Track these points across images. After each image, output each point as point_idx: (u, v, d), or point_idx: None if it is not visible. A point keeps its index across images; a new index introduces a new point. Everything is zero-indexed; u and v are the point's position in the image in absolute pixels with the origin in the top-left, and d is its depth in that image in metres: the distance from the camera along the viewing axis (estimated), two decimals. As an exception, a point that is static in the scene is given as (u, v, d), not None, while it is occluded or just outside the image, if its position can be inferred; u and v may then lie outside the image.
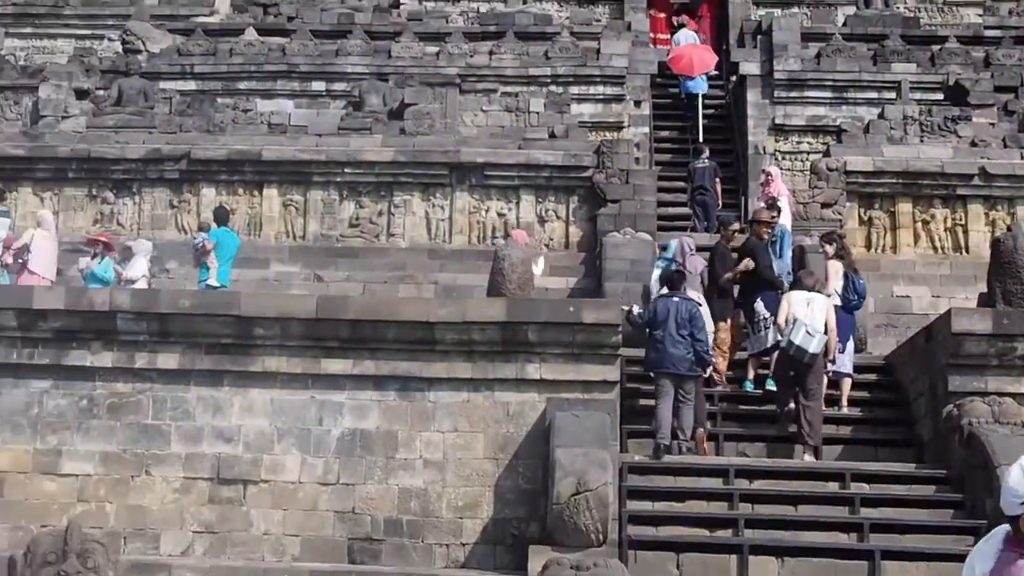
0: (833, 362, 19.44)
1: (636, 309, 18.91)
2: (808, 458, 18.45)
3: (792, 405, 18.90)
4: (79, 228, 27.09)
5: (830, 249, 21.29)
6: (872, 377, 20.88)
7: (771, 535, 16.24)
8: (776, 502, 17.03)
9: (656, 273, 20.86)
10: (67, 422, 17.68)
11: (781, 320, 18.98)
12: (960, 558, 15.83)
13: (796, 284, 19.68)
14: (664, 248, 21.91)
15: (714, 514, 16.68)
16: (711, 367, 19.07)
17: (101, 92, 29.64)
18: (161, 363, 17.68)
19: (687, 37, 34.49)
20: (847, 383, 20.01)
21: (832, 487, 17.41)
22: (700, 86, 32.77)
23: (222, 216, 23.78)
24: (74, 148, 27.53)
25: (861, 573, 15.61)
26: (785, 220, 23.76)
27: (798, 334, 18.49)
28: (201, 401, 17.62)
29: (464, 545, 17.02)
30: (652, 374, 18.25)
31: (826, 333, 18.69)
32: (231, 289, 22.36)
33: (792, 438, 18.92)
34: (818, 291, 19.31)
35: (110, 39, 35.74)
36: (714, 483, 17.40)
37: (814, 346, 18.44)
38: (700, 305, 18.95)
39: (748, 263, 20.67)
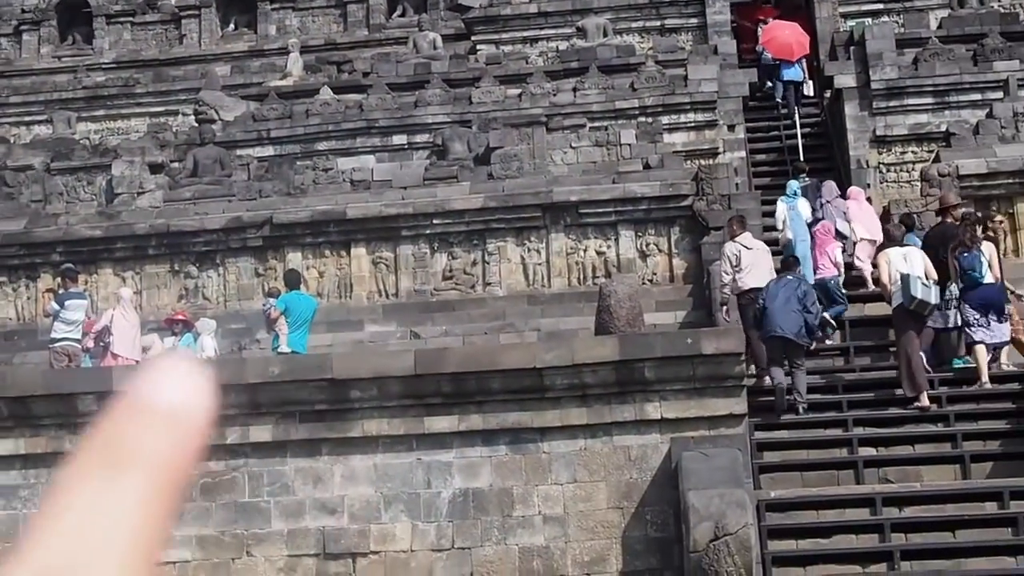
0: None
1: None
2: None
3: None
4: (164, 305, 26.25)
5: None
6: (1016, 386, 19.49)
7: (930, 566, 15.28)
8: (930, 529, 16.06)
9: (782, 207, 23.74)
10: (159, 507, 16.69)
11: (885, 279, 19.86)
12: None
13: (887, 241, 20.71)
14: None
15: (866, 548, 15.70)
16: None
17: (176, 165, 28.89)
18: (254, 436, 16.92)
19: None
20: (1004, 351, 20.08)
21: (990, 507, 16.34)
22: (798, 73, 31.84)
23: (292, 280, 22.85)
24: (152, 224, 26.75)
25: (1032, 600, 14.40)
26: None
27: (916, 288, 18.97)
28: (300, 473, 16.78)
29: (595, 603, 15.95)
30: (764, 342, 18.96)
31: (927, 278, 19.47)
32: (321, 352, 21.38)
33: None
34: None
35: (184, 113, 35.21)
36: (861, 514, 16.39)
37: (934, 296, 19.10)
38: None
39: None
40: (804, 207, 24.06)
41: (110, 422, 0.99)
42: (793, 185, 24.74)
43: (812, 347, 19.74)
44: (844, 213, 23.56)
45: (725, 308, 21.33)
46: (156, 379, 1.00)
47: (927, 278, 19.32)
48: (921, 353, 19.11)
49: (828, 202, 24.05)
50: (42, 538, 0.95)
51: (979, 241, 20.18)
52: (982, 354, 19.15)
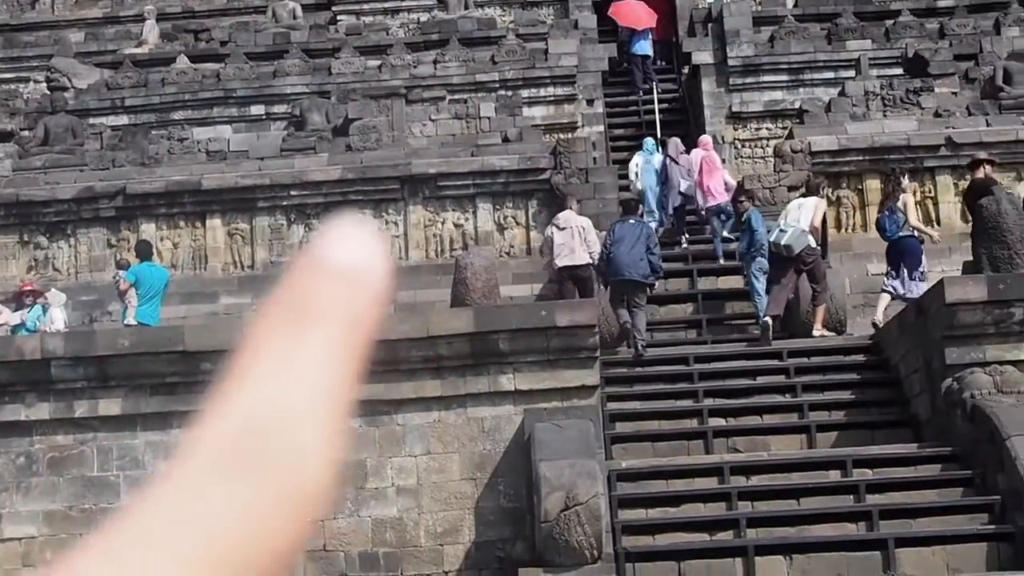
0: None
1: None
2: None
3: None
4: (12, 277, 25.82)
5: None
6: (860, 358, 19.97)
7: (776, 533, 15.48)
8: (777, 497, 16.26)
9: (636, 159, 25.21)
10: (4, 482, 16.57)
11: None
12: (977, 538, 15.10)
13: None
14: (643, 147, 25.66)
15: (713, 516, 15.85)
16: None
17: (26, 133, 28.35)
18: (103, 410, 16.72)
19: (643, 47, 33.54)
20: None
21: (834, 476, 16.61)
22: (644, 47, 32.23)
23: (144, 251, 22.54)
24: (0, 193, 26.20)
25: (875, 564, 14.80)
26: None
27: (774, 234, 20.13)
28: (150, 447, 16.54)
29: (447, 573, 16.22)
30: (609, 286, 19.61)
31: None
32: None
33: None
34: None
35: (35, 81, 34.48)
36: (709, 483, 16.57)
37: (786, 239, 19.82)
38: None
39: None
40: (658, 161, 25.24)
41: (295, 280, 1.03)
42: (650, 142, 25.76)
43: (655, 286, 20.55)
44: (688, 171, 24.58)
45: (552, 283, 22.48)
46: (337, 240, 1.05)
47: (789, 223, 20.28)
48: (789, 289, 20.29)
49: (674, 160, 24.63)
50: (239, 390, 1.00)
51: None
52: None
